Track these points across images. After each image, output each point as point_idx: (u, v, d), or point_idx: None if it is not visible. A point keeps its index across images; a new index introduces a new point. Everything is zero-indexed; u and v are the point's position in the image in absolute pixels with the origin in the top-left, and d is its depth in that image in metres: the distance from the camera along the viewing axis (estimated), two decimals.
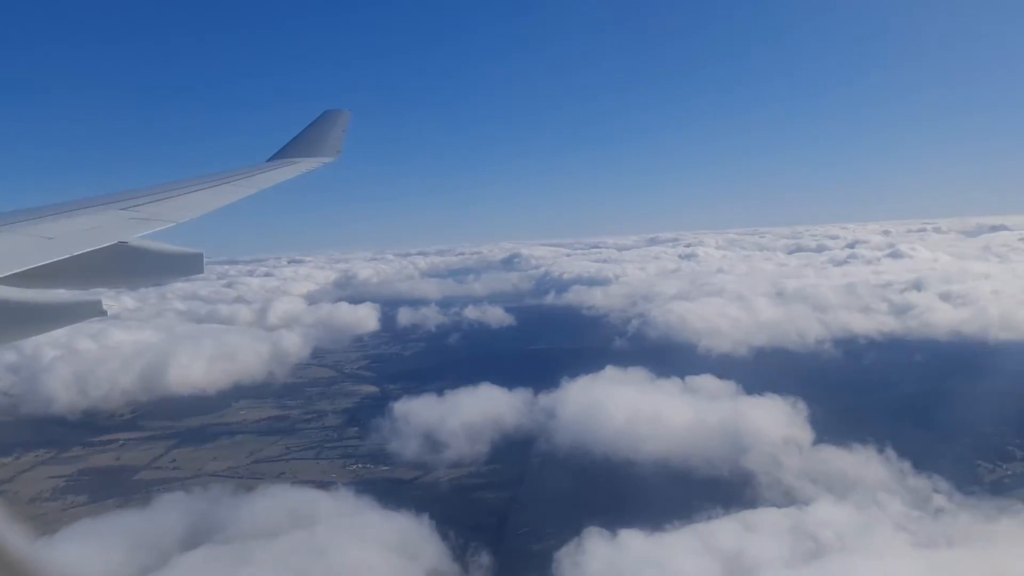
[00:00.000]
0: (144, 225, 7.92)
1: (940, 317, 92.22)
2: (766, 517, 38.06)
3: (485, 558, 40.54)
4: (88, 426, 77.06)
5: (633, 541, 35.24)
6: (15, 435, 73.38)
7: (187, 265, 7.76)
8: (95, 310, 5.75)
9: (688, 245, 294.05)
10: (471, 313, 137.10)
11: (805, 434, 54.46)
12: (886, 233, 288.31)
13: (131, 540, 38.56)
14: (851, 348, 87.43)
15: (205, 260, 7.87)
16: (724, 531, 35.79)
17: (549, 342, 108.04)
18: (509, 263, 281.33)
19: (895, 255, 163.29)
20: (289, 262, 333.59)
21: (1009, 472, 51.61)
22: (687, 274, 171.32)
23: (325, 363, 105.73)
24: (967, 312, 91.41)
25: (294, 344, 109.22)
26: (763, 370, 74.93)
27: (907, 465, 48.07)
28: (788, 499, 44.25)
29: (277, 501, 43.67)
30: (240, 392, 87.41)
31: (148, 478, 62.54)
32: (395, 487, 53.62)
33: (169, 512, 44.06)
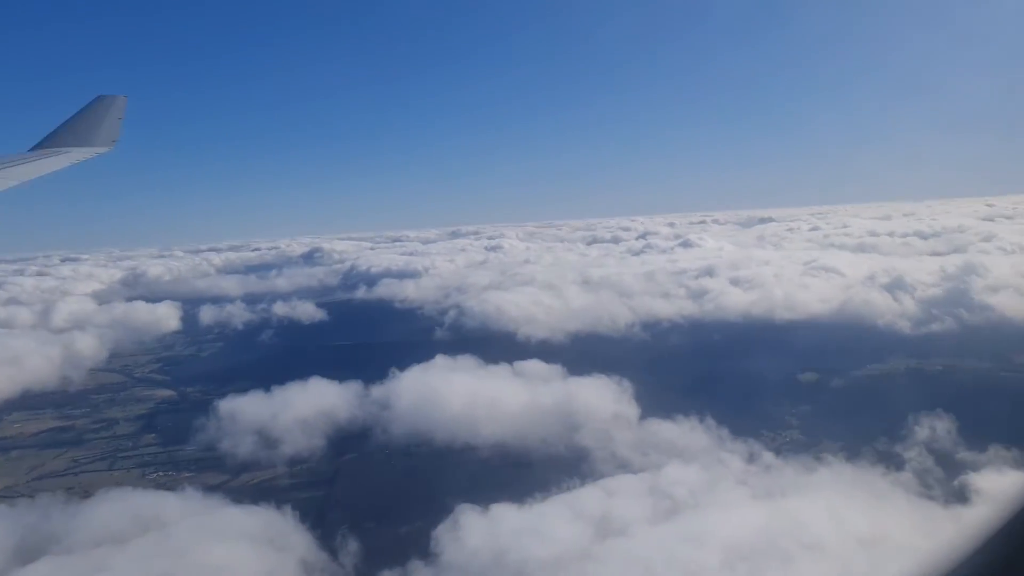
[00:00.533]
0: None
1: (732, 300, 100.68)
2: (624, 483, 40.07)
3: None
4: None
5: (501, 515, 36.00)
6: None
7: None
8: None
9: (491, 238, 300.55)
10: (280, 309, 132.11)
11: (632, 409, 57.75)
12: (671, 225, 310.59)
13: None
14: (657, 330, 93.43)
15: None
16: (587, 498, 37.39)
17: (367, 336, 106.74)
18: (310, 258, 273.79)
19: (686, 244, 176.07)
20: (63, 260, 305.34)
21: (788, 439, 57.36)
22: (495, 265, 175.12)
23: (113, 368, 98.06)
24: (755, 295, 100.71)
25: (86, 347, 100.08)
26: (582, 353, 78.12)
27: (725, 432, 52.51)
28: (625, 470, 46.74)
29: (114, 506, 40.09)
30: (14, 404, 78.92)
31: None
32: (207, 492, 50.22)
33: None
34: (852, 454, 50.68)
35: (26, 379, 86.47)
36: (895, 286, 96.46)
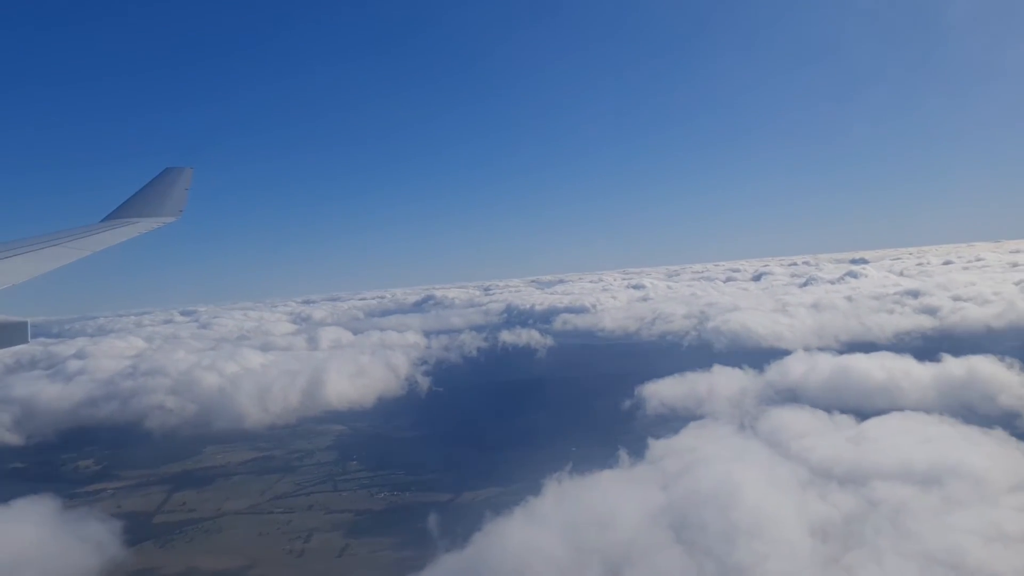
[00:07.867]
0: None
1: (973, 314, 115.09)
2: None
3: None
4: (61, 479, 70.49)
5: None
6: None
7: (9, 335, 7.48)
8: None
9: (593, 281, 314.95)
10: (506, 337, 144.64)
11: None
12: (766, 266, 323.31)
13: None
14: (928, 339, 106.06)
15: (30, 327, 7.60)
16: None
17: (642, 355, 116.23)
18: (424, 304, 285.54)
19: (852, 275, 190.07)
20: (181, 312, 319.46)
21: None
22: (664, 299, 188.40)
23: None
24: (994, 309, 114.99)
25: (400, 363, 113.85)
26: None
27: None
28: None
29: None
30: (206, 438, 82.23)
31: (169, 520, 58.84)
32: None
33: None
34: None
35: (377, 387, 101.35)
36: None
